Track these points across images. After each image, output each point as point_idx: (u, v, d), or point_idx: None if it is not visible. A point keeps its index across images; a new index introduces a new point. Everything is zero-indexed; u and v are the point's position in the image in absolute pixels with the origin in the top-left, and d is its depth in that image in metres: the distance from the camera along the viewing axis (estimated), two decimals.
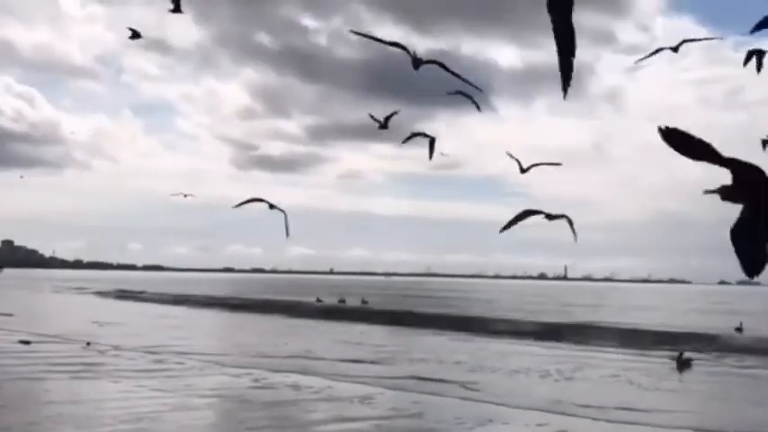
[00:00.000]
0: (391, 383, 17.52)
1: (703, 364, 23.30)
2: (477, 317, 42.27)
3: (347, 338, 29.89)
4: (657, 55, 10.01)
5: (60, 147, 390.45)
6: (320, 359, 22.14)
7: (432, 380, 18.40)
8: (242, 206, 11.62)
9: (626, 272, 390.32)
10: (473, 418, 13.67)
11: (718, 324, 39.05)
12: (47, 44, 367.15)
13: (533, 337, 32.21)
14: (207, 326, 39.09)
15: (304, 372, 19.04)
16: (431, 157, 10.62)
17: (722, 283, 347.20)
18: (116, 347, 23.60)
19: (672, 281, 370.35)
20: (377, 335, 32.59)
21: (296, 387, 16.60)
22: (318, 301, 60.72)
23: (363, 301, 61.41)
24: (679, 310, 64.44)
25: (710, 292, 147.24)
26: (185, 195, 13.31)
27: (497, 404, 15.22)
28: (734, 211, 2.61)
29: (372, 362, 21.83)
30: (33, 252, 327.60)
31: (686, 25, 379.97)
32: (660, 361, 23.82)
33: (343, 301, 61.43)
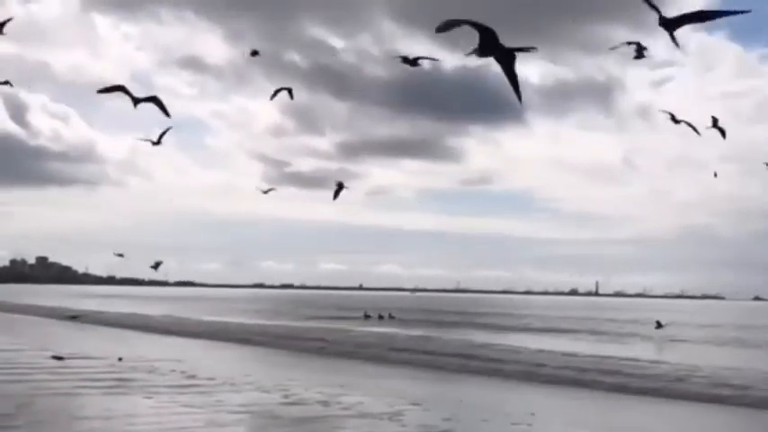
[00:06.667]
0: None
1: None
2: None
3: None
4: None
5: (95, 165, 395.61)
6: None
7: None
8: (105, 92, 12.36)
9: (658, 287, 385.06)
10: None
11: None
12: (81, 64, 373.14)
13: None
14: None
15: None
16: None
17: (757, 299, 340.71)
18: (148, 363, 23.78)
19: (704, 296, 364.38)
20: None
21: (325, 403, 16.57)
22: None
23: (390, 316, 64.17)
24: None
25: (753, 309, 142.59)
26: (167, 129, 13.38)
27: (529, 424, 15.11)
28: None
29: None
30: (67, 269, 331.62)
31: (717, 41, 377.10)
32: None
33: (381, 317, 63.44)
